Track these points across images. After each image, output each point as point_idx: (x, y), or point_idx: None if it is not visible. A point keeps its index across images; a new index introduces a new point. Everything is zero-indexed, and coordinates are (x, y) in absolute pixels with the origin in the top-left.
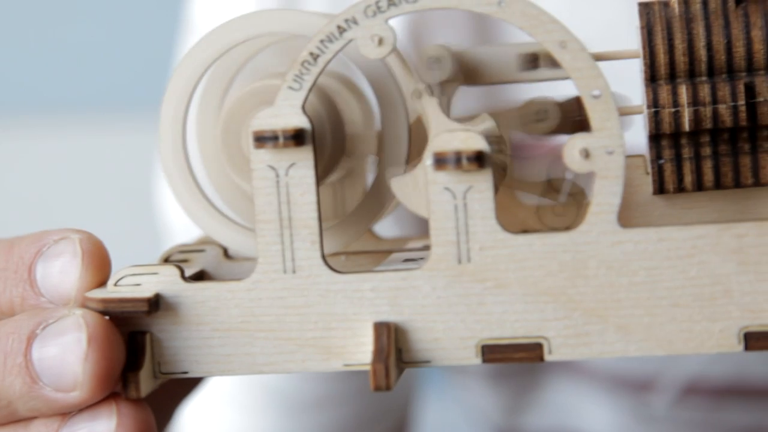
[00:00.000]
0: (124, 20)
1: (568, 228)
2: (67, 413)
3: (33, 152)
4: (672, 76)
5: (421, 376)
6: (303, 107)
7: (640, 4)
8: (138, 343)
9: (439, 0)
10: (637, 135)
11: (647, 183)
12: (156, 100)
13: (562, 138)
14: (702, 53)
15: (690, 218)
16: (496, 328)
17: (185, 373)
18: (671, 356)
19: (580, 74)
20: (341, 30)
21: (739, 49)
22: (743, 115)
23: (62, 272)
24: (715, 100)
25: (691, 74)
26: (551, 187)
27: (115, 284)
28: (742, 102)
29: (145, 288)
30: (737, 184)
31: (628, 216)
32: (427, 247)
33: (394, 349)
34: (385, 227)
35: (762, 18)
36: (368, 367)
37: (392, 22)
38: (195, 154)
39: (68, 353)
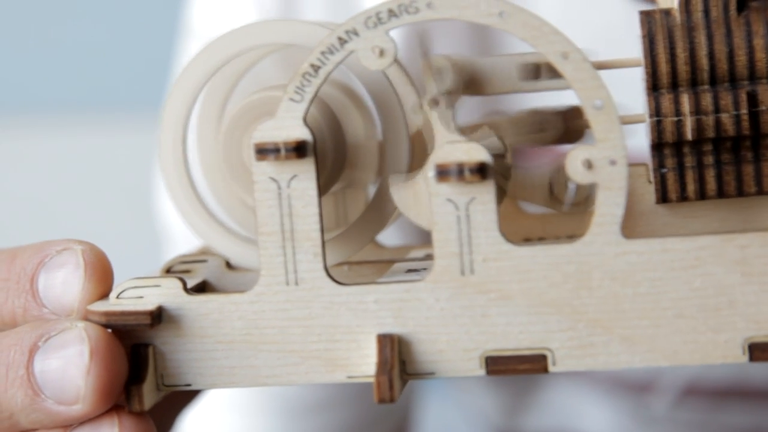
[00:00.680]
0: (124, 21)
1: (572, 236)
2: (69, 426)
3: (33, 152)
4: (674, 85)
5: None
6: (304, 119)
7: (642, 13)
8: (141, 355)
9: (440, 11)
10: (639, 143)
11: (650, 192)
12: (156, 101)
13: (565, 147)
14: (704, 62)
15: (693, 227)
16: (500, 340)
17: (188, 385)
18: None
19: (582, 85)
20: (342, 41)
21: (741, 58)
22: (746, 123)
23: (65, 283)
24: (717, 109)
25: (693, 83)
26: (554, 197)
27: (118, 297)
28: (744, 111)
29: (147, 301)
30: (740, 192)
31: (630, 225)
32: (429, 256)
33: (398, 361)
34: (387, 235)
35: (764, 26)
36: (372, 379)
37: (393, 33)
38: (196, 165)
39: (70, 366)
